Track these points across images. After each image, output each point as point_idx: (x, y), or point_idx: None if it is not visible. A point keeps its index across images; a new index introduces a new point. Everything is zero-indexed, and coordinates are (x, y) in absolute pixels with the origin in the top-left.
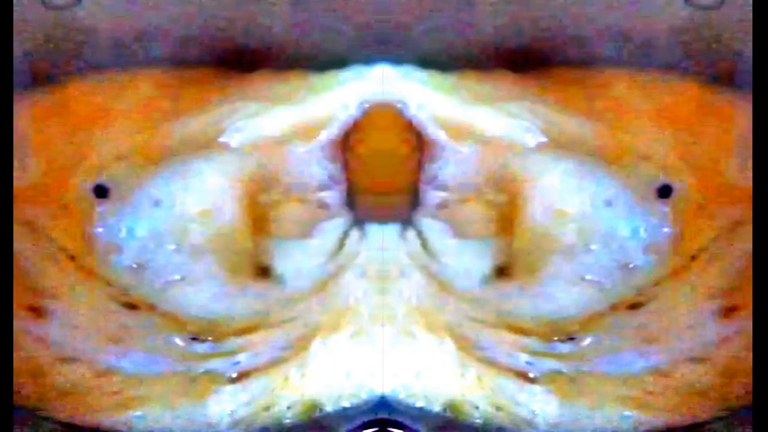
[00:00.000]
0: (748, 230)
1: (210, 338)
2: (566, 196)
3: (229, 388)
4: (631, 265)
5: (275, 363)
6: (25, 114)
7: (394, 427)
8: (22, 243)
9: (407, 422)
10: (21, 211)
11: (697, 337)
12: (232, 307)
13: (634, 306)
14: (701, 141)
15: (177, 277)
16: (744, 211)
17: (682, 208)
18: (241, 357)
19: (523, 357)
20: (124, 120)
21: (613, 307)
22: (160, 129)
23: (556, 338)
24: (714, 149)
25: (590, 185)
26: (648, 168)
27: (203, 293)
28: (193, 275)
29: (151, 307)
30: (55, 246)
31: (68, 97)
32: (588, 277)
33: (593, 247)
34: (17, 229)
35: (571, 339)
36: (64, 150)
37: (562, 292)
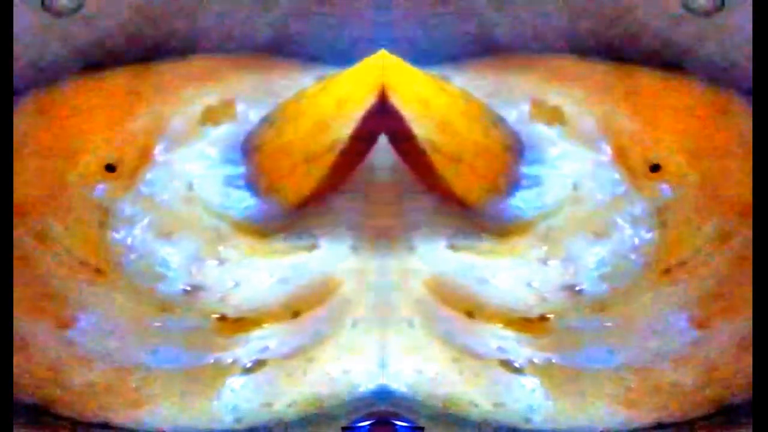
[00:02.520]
0: (735, 242)
1: (255, 327)
2: (570, 225)
3: (237, 381)
4: (577, 288)
5: (297, 351)
6: (22, 118)
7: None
8: (36, 255)
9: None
10: (27, 222)
11: (666, 340)
12: (288, 288)
13: (598, 308)
14: (711, 148)
15: (232, 284)
16: (735, 222)
17: (674, 221)
18: (271, 343)
19: (493, 343)
20: (102, 123)
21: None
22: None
23: (501, 324)
24: (720, 157)
25: (600, 215)
26: (657, 182)
27: (260, 286)
28: (245, 276)
29: (200, 312)
30: (76, 259)
31: (56, 102)
32: (534, 284)
33: (550, 263)
34: (28, 242)
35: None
36: (54, 158)
37: (504, 287)
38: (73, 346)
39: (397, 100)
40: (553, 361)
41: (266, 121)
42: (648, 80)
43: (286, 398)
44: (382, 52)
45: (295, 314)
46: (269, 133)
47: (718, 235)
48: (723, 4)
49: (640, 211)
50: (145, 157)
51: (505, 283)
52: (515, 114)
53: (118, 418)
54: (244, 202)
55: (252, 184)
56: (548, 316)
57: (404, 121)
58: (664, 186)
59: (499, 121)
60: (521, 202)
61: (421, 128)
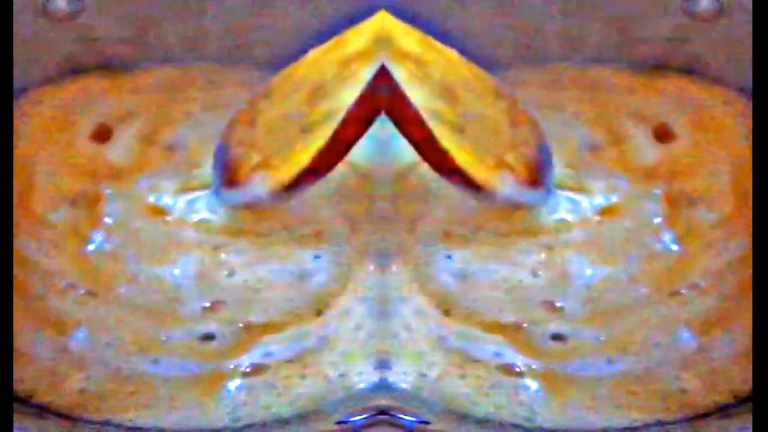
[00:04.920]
0: (747, 262)
1: (283, 328)
2: (580, 244)
3: (235, 384)
4: (558, 305)
5: (299, 353)
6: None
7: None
8: (24, 274)
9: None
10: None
11: (667, 350)
12: (308, 286)
13: (582, 323)
14: (747, 171)
15: (250, 292)
16: (749, 244)
17: (696, 247)
18: (275, 347)
19: (490, 347)
20: (48, 144)
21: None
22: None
23: (477, 327)
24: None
25: (617, 242)
26: (693, 212)
27: (280, 287)
28: (261, 280)
29: (224, 323)
30: (62, 282)
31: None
32: (514, 293)
33: (540, 274)
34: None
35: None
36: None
37: (483, 289)
38: (72, 354)
39: (394, 64)
40: (551, 366)
41: (259, 93)
42: (704, 95)
43: (284, 399)
44: (382, 13)
45: (318, 312)
46: (263, 104)
47: (734, 259)
48: (722, 8)
49: (660, 246)
50: (96, 184)
51: (486, 285)
52: (574, 133)
53: (118, 418)
54: (220, 208)
55: (226, 176)
56: (522, 324)
57: (401, 87)
58: (698, 217)
59: (503, 95)
60: (545, 205)
61: (419, 93)
